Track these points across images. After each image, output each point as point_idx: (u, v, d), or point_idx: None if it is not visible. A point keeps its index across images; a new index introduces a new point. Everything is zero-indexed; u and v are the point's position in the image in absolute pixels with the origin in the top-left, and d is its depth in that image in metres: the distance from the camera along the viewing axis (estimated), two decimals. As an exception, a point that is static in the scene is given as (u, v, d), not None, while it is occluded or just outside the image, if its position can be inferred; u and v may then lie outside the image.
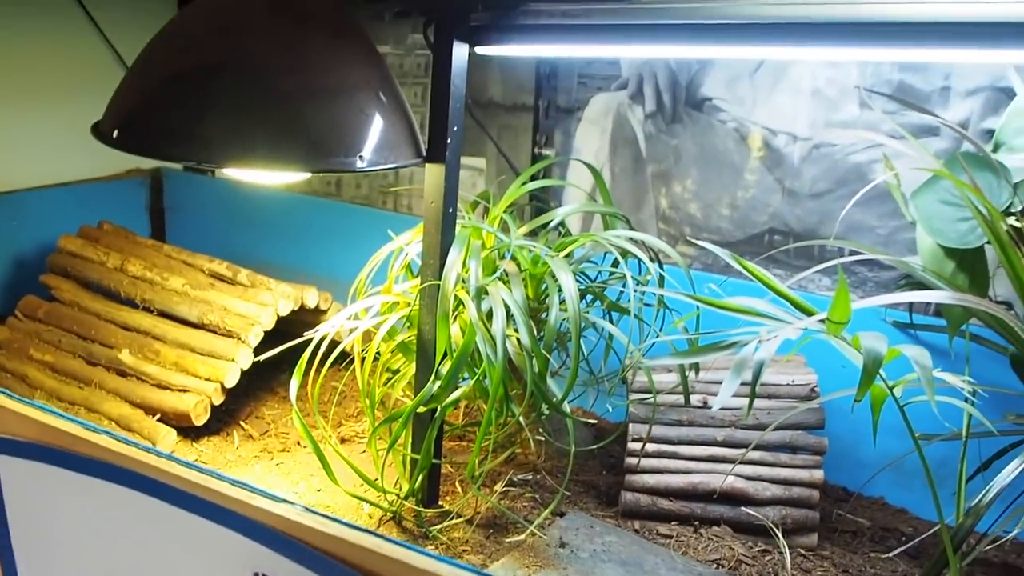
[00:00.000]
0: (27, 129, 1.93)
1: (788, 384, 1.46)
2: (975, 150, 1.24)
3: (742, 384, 1.49)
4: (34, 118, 1.68)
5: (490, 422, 1.29)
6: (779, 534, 1.37)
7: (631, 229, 1.45)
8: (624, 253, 1.38)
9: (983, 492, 1.13)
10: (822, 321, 0.91)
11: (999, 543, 1.25)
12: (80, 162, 2.06)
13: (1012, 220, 1.23)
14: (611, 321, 1.47)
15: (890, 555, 1.40)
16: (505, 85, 1.95)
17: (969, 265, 1.31)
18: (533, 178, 1.56)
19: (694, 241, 1.54)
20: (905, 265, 1.27)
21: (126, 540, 1.03)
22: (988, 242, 1.26)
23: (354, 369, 1.38)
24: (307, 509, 0.92)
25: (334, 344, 1.37)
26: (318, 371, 1.33)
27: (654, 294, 1.37)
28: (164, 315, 1.69)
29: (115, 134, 1.17)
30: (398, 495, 1.35)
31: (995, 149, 1.12)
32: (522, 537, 1.33)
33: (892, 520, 1.52)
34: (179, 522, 0.95)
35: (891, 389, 0.98)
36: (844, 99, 1.59)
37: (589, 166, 1.57)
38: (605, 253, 1.49)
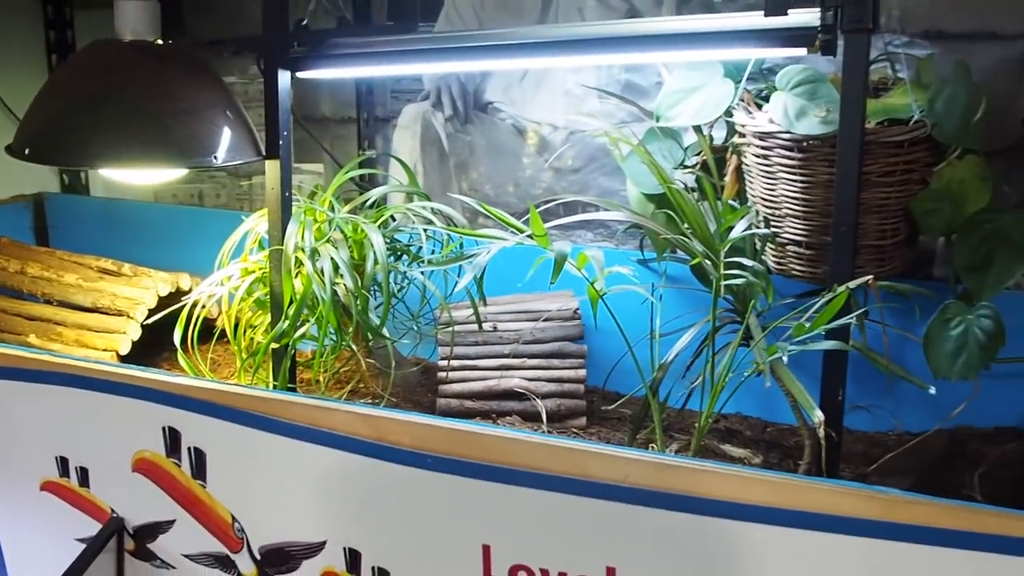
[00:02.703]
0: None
1: (558, 309, 1.96)
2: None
3: (519, 313, 1.99)
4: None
5: (336, 349, 1.76)
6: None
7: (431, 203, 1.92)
8: (426, 220, 1.85)
9: (666, 356, 1.65)
10: (530, 236, 1.40)
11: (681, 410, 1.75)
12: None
13: (684, 172, 1.78)
14: (424, 275, 1.94)
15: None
16: (334, 103, 2.40)
17: (666, 205, 1.83)
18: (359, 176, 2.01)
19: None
20: (618, 208, 1.78)
21: (72, 426, 1.44)
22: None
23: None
24: (193, 376, 1.35)
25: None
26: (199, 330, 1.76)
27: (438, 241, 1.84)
28: (63, 304, 2.06)
29: (27, 151, 1.58)
30: (264, 413, 1.78)
31: (657, 119, 1.63)
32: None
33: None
34: (107, 403, 1.37)
35: (592, 284, 1.47)
36: (587, 96, 2.12)
37: (399, 160, 2.03)
38: (413, 223, 1.95)
